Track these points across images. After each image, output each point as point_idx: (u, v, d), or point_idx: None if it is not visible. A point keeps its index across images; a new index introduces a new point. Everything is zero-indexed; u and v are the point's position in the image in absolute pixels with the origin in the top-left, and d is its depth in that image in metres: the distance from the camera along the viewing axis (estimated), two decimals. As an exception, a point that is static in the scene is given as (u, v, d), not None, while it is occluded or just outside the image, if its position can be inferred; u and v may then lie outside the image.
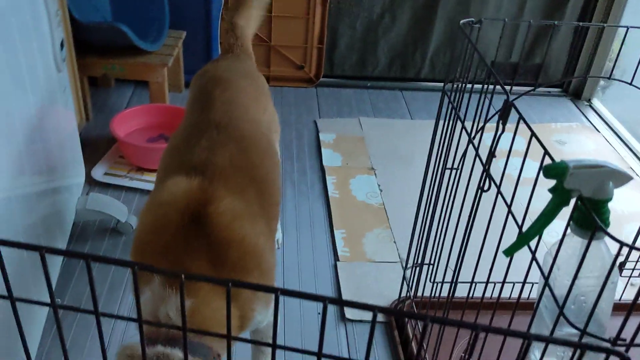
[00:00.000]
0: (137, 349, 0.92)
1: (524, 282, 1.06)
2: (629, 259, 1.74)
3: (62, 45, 1.80)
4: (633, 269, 1.94)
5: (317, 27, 3.13)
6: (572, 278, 0.78)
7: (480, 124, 1.23)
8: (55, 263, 1.84)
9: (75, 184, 2.13)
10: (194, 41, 2.96)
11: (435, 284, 1.66)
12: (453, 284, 1.51)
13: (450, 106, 1.40)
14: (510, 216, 1.01)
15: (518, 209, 1.01)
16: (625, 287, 1.94)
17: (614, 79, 1.29)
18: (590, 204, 0.76)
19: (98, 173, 2.34)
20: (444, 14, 3.20)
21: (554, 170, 0.74)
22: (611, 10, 3.11)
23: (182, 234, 1.06)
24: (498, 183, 1.10)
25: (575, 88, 3.44)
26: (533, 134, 0.89)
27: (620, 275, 1.89)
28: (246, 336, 1.52)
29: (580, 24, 1.12)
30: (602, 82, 3.50)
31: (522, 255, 1.01)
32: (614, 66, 1.51)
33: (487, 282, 1.28)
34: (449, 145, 1.46)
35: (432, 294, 1.71)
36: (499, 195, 1.04)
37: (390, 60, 3.35)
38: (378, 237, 2.19)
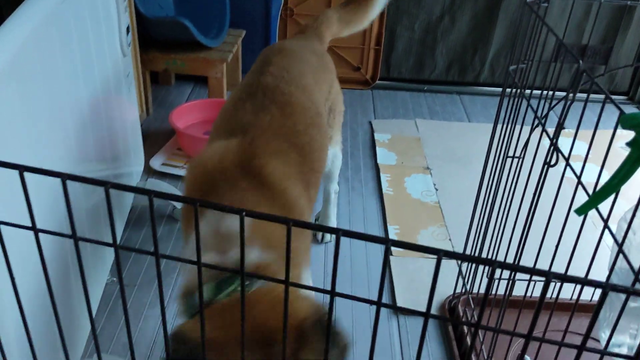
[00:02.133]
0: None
1: (585, 276, 1.00)
2: None
3: (128, 30, 1.85)
4: None
5: (374, 28, 3.13)
6: (650, 241, 0.73)
7: (551, 102, 1.19)
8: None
9: (135, 171, 2.18)
10: (252, 40, 3.00)
11: (498, 280, 1.59)
12: (510, 281, 1.45)
13: (514, 90, 1.35)
14: (578, 193, 0.96)
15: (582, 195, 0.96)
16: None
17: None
18: (672, 161, 0.71)
19: (156, 163, 2.39)
20: (506, 17, 3.14)
21: (632, 120, 0.70)
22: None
23: (221, 189, 1.05)
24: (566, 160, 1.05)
25: (643, 95, 3.30)
26: (607, 97, 0.85)
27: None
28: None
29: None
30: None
31: (587, 250, 0.96)
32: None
33: (546, 280, 1.22)
34: (512, 131, 1.41)
35: (490, 291, 1.65)
36: (568, 168, 0.99)
37: (449, 64, 3.30)
38: (433, 234, 2.14)
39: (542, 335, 1.35)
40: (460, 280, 1.77)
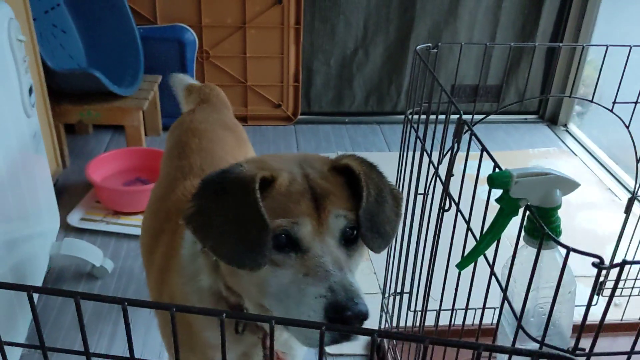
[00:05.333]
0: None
1: (483, 307, 1.04)
2: (610, 278, 1.72)
3: (30, 91, 1.81)
4: (614, 288, 1.92)
5: (292, 65, 3.17)
6: (526, 289, 0.77)
7: (443, 148, 1.24)
8: (25, 314, 1.80)
9: (49, 230, 2.10)
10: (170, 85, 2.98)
11: (413, 313, 1.63)
12: (423, 313, 1.49)
13: (412, 132, 1.40)
14: (470, 235, 1.01)
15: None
16: (608, 308, 1.92)
17: (575, 97, 1.30)
18: (539, 213, 0.76)
19: (74, 219, 2.32)
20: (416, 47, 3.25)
21: (498, 179, 0.74)
22: (579, 37, 3.18)
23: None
24: (463, 206, 1.10)
25: (551, 114, 3.48)
26: (484, 149, 0.90)
27: (601, 295, 1.87)
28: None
29: (537, 44, 1.13)
30: (578, 108, 3.55)
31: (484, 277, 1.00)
32: (595, 89, 1.46)
33: (452, 309, 1.26)
34: (419, 171, 1.46)
35: (412, 324, 1.69)
36: (459, 214, 1.03)
37: (367, 95, 3.38)
38: (358, 269, 2.16)
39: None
40: (384, 315, 1.80)
